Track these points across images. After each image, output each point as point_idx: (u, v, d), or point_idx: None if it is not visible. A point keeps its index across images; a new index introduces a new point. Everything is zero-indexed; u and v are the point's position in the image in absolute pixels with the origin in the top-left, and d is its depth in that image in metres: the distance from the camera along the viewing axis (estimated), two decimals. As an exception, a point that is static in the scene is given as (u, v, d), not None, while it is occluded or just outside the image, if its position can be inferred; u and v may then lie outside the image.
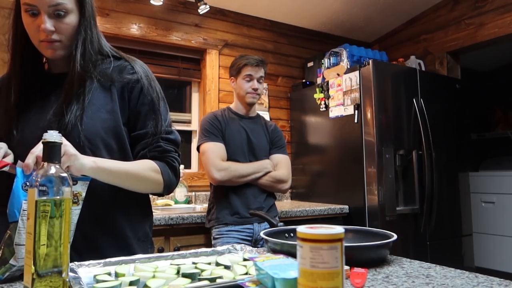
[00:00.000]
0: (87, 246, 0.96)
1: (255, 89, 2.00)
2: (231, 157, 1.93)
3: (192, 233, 2.07)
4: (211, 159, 1.87)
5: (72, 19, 0.97)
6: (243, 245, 0.98)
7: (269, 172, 1.96)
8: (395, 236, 0.93)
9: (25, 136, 0.97)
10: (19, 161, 0.81)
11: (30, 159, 0.77)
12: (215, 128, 1.95)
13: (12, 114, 0.99)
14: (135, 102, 1.04)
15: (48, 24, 0.93)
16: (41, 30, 0.93)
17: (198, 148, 1.98)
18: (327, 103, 2.88)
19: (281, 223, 1.29)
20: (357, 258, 0.82)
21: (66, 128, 0.94)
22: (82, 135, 0.95)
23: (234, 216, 1.89)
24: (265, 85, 3.06)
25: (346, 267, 0.75)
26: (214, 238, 1.91)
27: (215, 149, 1.90)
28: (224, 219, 1.89)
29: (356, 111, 2.62)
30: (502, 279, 0.74)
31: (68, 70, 0.99)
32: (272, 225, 1.28)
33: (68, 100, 0.97)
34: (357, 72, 2.65)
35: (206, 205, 2.66)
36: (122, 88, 1.04)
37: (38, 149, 0.78)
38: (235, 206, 1.89)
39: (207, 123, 1.97)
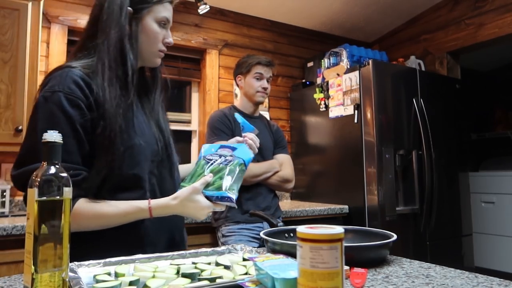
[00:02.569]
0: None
1: (265, 88, 2.00)
2: None
3: (192, 233, 2.06)
4: None
5: None
6: (242, 245, 0.98)
7: (277, 171, 1.97)
8: (395, 236, 0.93)
9: (143, 143, 1.00)
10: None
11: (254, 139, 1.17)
12: (225, 126, 1.92)
13: (127, 120, 0.99)
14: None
15: (172, 38, 1.10)
16: (165, 42, 1.08)
17: None
18: (327, 103, 2.88)
19: (281, 223, 1.29)
20: (357, 258, 0.82)
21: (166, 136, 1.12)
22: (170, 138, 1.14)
23: (245, 215, 1.87)
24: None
25: (346, 267, 0.75)
26: (224, 236, 1.89)
27: None
28: (235, 217, 1.88)
29: (356, 111, 2.62)
30: (502, 279, 0.74)
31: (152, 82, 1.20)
32: (272, 225, 1.29)
33: (157, 108, 1.14)
34: (357, 72, 2.65)
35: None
36: None
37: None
38: (246, 205, 1.88)
39: (216, 121, 1.94)
